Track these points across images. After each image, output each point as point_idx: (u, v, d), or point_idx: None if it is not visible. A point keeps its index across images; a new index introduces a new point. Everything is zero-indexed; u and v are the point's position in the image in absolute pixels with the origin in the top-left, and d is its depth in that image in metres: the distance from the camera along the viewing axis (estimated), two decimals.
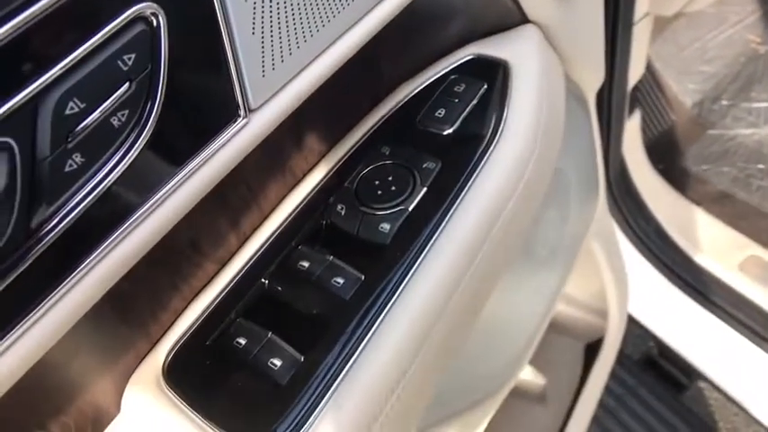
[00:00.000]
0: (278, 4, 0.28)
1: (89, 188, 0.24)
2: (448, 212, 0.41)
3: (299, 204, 0.43)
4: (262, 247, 0.42)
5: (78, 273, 0.26)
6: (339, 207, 0.43)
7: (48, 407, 0.36)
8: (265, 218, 0.44)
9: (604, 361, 1.04)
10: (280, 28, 0.28)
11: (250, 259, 0.41)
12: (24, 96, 0.21)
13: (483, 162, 0.44)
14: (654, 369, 1.36)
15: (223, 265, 0.42)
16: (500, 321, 0.75)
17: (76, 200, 0.24)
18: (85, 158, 0.23)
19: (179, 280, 0.41)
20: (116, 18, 0.22)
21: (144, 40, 0.23)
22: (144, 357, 0.40)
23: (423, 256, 0.40)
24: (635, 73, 0.97)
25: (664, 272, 1.27)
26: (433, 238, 0.40)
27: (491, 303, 0.56)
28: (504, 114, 0.47)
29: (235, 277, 0.41)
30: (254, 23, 0.27)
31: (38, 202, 0.22)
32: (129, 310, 0.38)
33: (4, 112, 0.20)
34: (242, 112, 0.29)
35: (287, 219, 0.43)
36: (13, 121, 0.21)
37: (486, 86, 0.48)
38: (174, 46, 0.24)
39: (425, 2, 0.43)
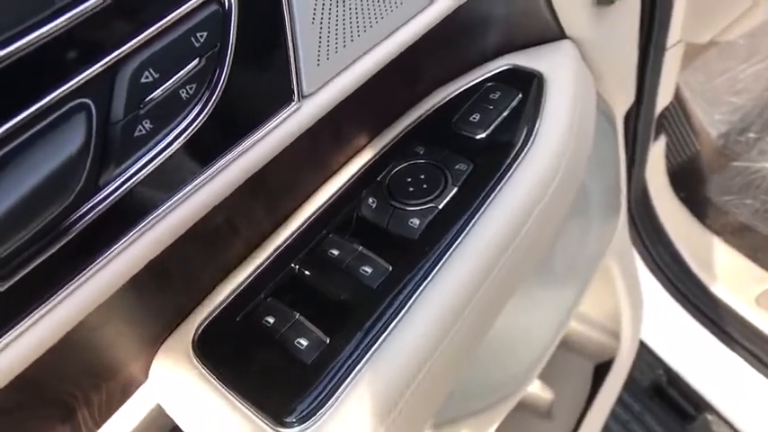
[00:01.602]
0: (338, 7, 0.29)
1: (153, 154, 0.25)
2: (477, 213, 0.42)
3: (333, 195, 0.45)
4: (295, 232, 0.43)
5: (133, 235, 0.27)
6: (371, 200, 0.44)
7: (80, 368, 0.38)
8: (299, 205, 0.45)
9: (613, 383, 1.03)
10: (337, 21, 0.30)
11: (283, 243, 0.43)
12: (105, 63, 0.22)
13: (514, 168, 0.45)
14: (661, 397, 1.35)
15: (257, 246, 0.43)
16: (513, 331, 0.75)
17: (141, 164, 0.25)
18: (154, 125, 0.24)
19: (214, 257, 0.42)
20: None
21: (216, 19, 0.25)
22: (175, 328, 0.41)
23: (450, 252, 0.41)
24: (663, 99, 0.97)
25: (678, 299, 1.27)
26: (461, 236, 0.42)
27: (507, 312, 0.57)
28: (537, 124, 0.48)
29: (267, 259, 0.42)
30: (314, 14, 0.29)
31: (107, 162, 0.24)
32: (163, 282, 0.40)
33: (86, 76, 0.22)
34: (295, 97, 0.30)
35: (320, 208, 0.44)
36: (94, 84, 0.22)
37: (520, 96, 0.49)
38: (242, 28, 0.26)
39: (468, 11, 0.45)
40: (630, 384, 1.27)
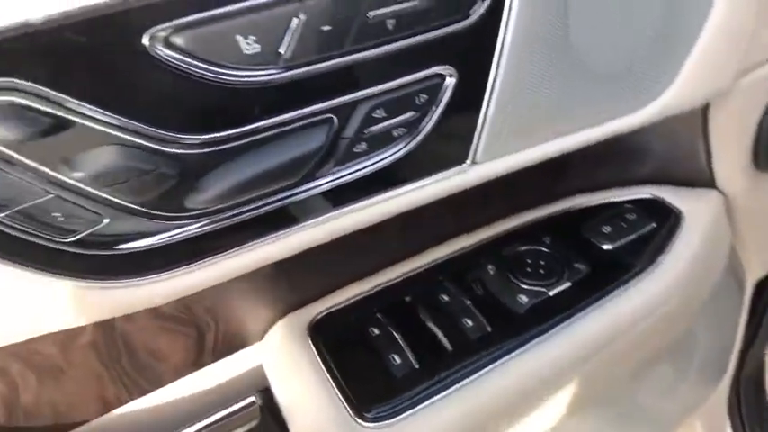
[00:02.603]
0: (526, 102, 0.36)
1: (358, 168, 0.33)
2: (580, 312, 0.47)
3: (461, 250, 0.51)
4: (418, 269, 0.50)
5: (317, 222, 0.35)
6: (490, 267, 0.50)
7: (223, 308, 0.46)
8: (429, 248, 0.52)
9: None
10: (521, 115, 0.37)
11: (405, 274, 0.50)
12: (355, 96, 0.31)
13: (626, 287, 0.49)
14: None
15: (382, 268, 0.51)
16: None
17: (348, 171, 0.33)
18: (368, 148, 0.33)
19: (346, 266, 0.50)
20: (426, 69, 0.32)
21: (436, 89, 0.33)
22: (297, 308, 0.49)
23: (546, 335, 0.45)
24: None
25: None
26: (560, 325, 0.46)
27: (576, 428, 0.58)
28: (662, 257, 0.51)
29: (387, 282, 0.49)
30: (507, 105, 0.36)
31: (327, 162, 0.32)
32: (303, 269, 0.48)
33: (341, 101, 0.31)
34: (468, 162, 0.37)
35: (446, 256, 0.51)
36: (343, 107, 0.31)
37: (654, 225, 0.53)
38: (451, 100, 0.34)
39: (632, 136, 0.50)
40: None
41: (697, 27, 0.39)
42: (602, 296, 0.48)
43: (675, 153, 0.57)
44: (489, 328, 0.45)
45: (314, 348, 0.45)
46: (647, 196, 0.56)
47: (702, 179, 0.56)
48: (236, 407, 0.46)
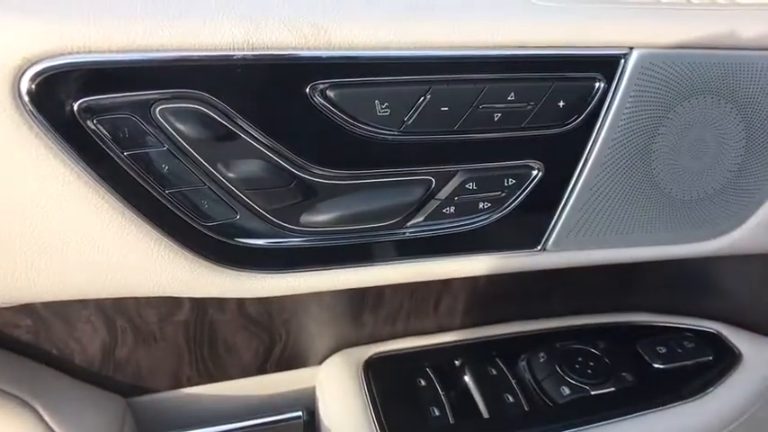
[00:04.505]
0: (602, 208, 0.41)
1: (441, 227, 0.39)
2: (615, 418, 0.49)
3: (518, 333, 0.55)
4: (474, 339, 0.54)
5: (393, 263, 0.41)
6: (542, 354, 0.53)
7: (296, 324, 0.52)
8: (489, 324, 0.56)
9: None
10: (595, 218, 0.42)
11: (461, 341, 0.54)
12: (454, 167, 0.37)
13: (666, 408, 0.50)
14: None
15: (444, 330, 0.55)
16: None
17: (431, 228, 0.39)
18: (455, 212, 0.38)
19: (409, 320, 0.55)
20: (518, 160, 0.38)
21: (524, 177, 0.39)
22: (358, 345, 0.54)
23: (576, 429, 0.47)
24: None
25: None
26: (592, 425, 0.48)
27: None
28: (710, 391, 0.52)
29: (443, 343, 0.54)
30: (583, 207, 0.41)
31: (417, 215, 0.38)
32: (372, 310, 0.53)
33: (439, 168, 0.37)
34: (539, 247, 0.42)
35: (503, 335, 0.55)
36: (441, 173, 0.37)
37: (711, 359, 0.54)
38: (535, 189, 0.39)
39: (706, 272, 0.52)
40: None
41: None
42: (641, 409, 0.49)
43: (746, 297, 0.58)
44: (527, 408, 0.48)
45: (364, 383, 0.49)
46: (710, 330, 0.57)
47: None
48: (283, 416, 0.51)
